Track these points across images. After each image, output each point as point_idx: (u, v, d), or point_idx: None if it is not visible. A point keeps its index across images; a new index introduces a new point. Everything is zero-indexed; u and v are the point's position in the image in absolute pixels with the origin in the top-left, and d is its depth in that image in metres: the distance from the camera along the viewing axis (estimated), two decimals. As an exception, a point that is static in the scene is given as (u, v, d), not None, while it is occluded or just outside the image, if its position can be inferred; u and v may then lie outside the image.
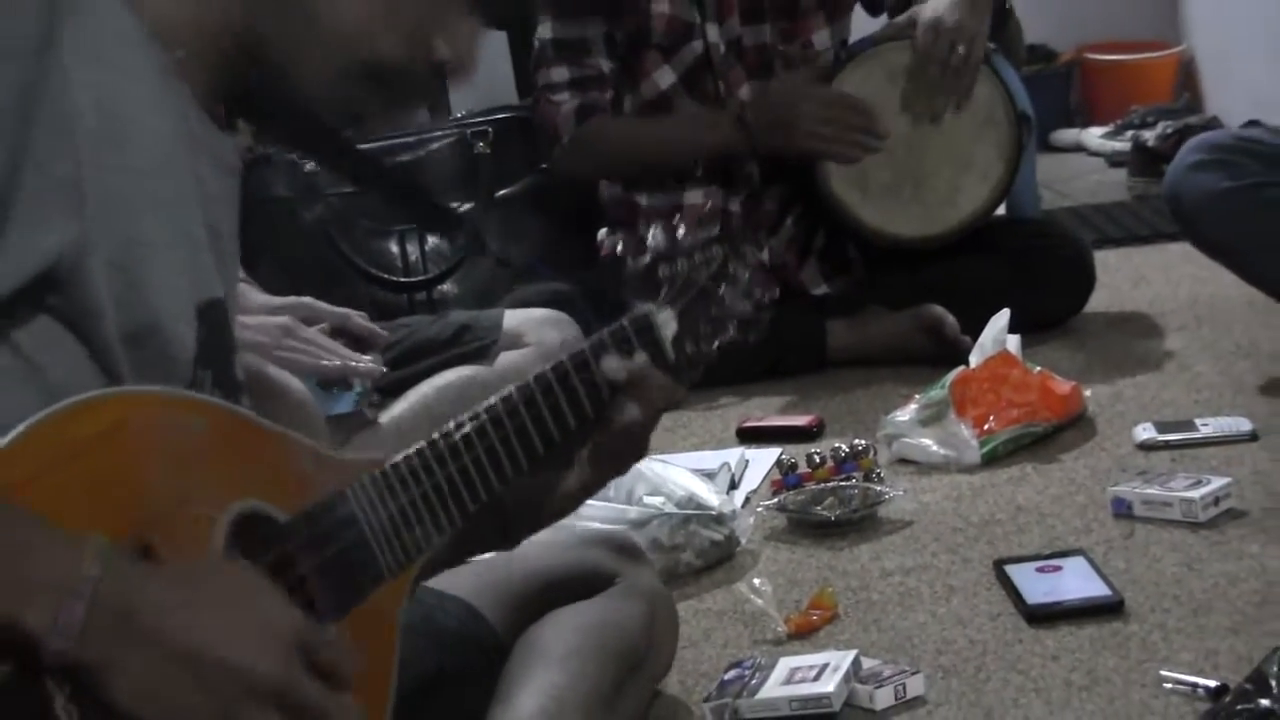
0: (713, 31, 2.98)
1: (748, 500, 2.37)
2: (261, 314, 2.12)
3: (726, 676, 1.79)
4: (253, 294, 2.16)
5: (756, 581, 2.01)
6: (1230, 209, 2.58)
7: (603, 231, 3.16)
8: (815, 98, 2.94)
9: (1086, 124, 4.90)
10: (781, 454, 2.45)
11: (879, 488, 2.29)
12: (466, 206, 3.20)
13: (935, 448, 2.43)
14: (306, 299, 2.21)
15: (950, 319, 2.89)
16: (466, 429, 1.23)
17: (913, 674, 1.75)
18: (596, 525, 2.00)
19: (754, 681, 1.75)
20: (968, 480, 2.36)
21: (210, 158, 1.16)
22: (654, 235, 1.37)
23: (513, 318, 2.46)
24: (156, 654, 0.93)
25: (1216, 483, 2.14)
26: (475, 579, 1.60)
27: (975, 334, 2.63)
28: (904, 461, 2.45)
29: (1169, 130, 4.22)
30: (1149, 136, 4.27)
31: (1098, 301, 3.14)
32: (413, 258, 3.13)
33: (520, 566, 1.63)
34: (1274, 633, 1.76)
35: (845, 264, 3.13)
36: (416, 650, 1.35)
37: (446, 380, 2.31)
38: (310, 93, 1.17)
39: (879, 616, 1.96)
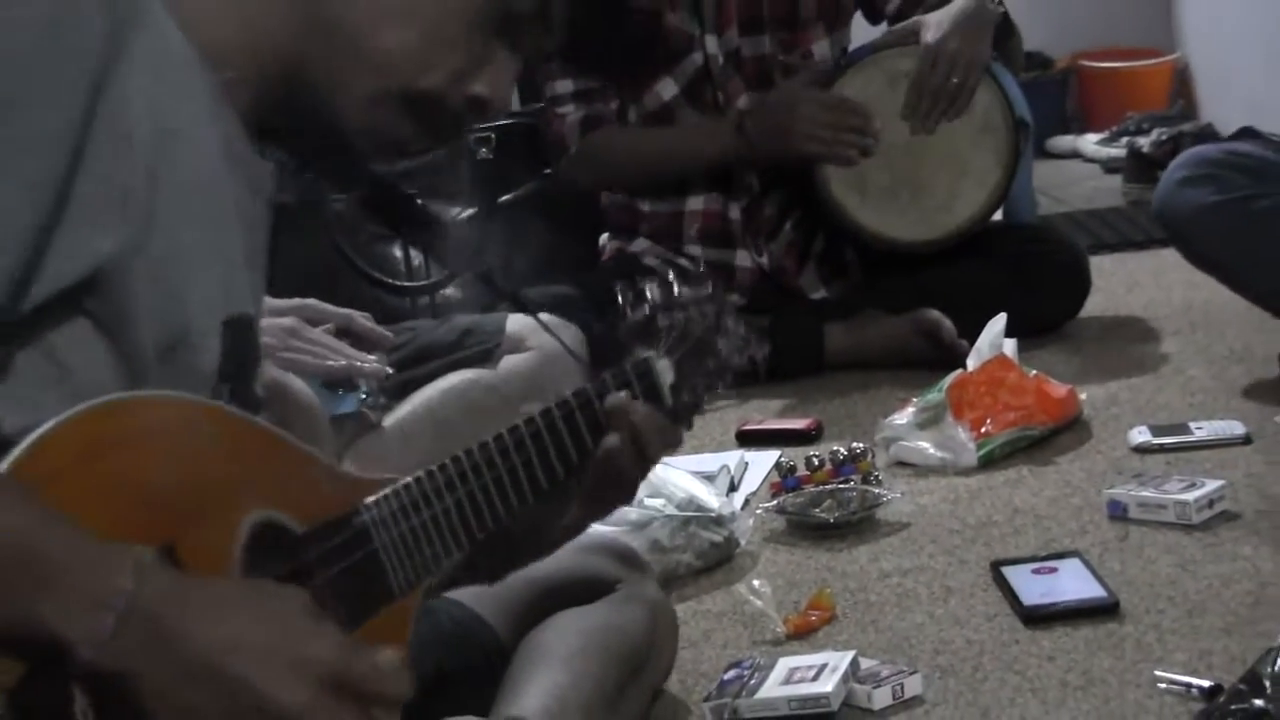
0: (711, 43, 3.00)
1: (747, 502, 2.38)
2: (267, 316, 2.13)
3: (726, 677, 1.79)
4: (258, 297, 2.17)
5: (756, 583, 2.01)
6: (1220, 223, 2.59)
7: (604, 237, 3.19)
8: (812, 101, 2.95)
9: (1082, 130, 4.90)
10: (780, 457, 2.45)
11: (877, 490, 2.30)
12: (469, 212, 3.21)
13: (932, 450, 2.43)
14: (311, 300, 2.20)
15: (947, 323, 2.89)
16: (478, 455, 1.24)
17: (910, 674, 1.76)
18: (597, 528, 2.01)
19: (753, 682, 1.76)
20: (965, 483, 2.37)
21: (247, 180, 1.17)
22: (651, 290, 1.39)
23: (515, 322, 2.46)
24: (182, 671, 0.94)
25: (1210, 485, 2.15)
26: (477, 582, 1.61)
27: (972, 338, 2.63)
28: (902, 464, 2.46)
29: (1164, 137, 4.23)
30: (1144, 143, 4.28)
31: (1093, 306, 3.14)
32: (416, 262, 3.14)
33: (522, 572, 1.64)
34: (1267, 633, 1.77)
35: (843, 268, 3.15)
36: (416, 651, 1.37)
37: (450, 383, 2.30)
38: (346, 116, 1.17)
39: (877, 617, 1.97)
